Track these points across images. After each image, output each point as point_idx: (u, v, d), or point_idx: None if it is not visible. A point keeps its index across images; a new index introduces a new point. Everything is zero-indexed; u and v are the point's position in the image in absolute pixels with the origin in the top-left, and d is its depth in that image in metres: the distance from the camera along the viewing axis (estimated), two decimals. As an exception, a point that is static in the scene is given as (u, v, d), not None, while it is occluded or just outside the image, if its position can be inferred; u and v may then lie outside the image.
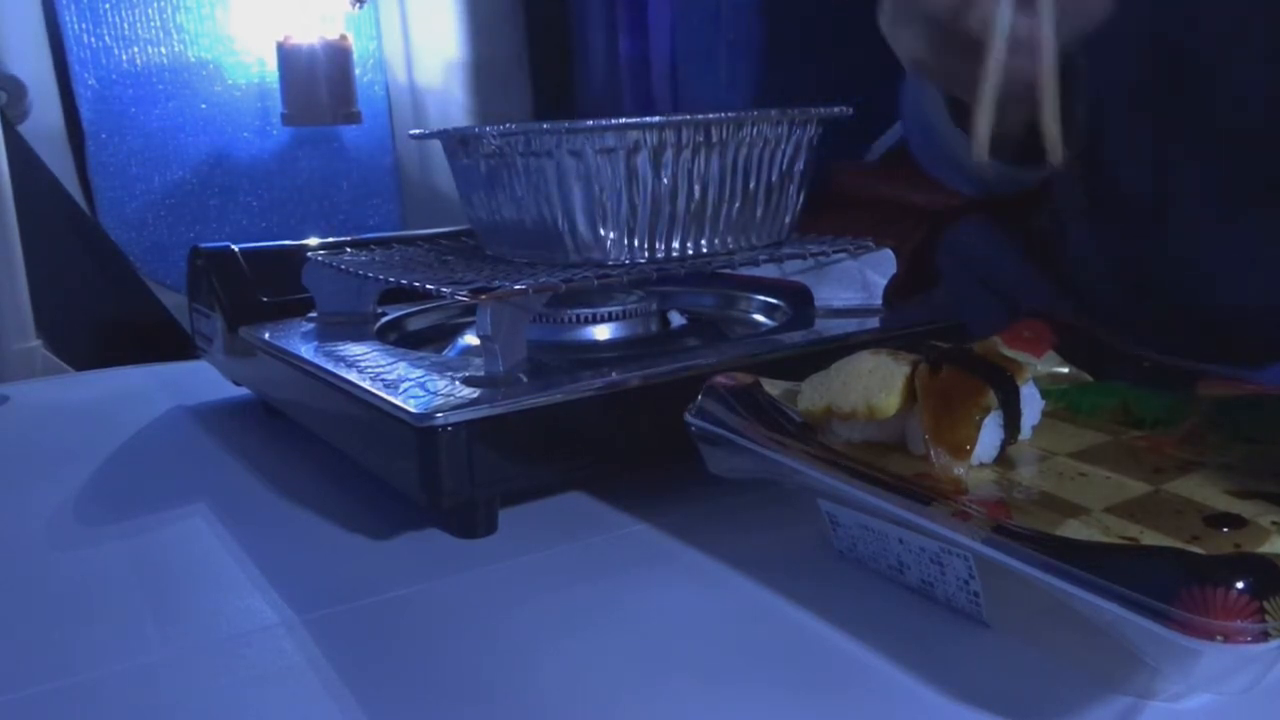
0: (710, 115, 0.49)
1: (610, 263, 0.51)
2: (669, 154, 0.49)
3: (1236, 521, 0.31)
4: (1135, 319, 0.61)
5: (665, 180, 0.49)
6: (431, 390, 0.43)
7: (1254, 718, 0.30)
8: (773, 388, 0.40)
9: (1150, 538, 0.30)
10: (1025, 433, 0.38)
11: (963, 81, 0.44)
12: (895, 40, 0.46)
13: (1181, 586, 0.25)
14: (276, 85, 1.59)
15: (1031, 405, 0.38)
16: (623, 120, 0.48)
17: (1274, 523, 0.31)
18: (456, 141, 0.55)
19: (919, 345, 0.40)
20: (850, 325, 0.54)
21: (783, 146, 0.53)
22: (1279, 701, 0.30)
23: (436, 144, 0.59)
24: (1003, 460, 0.37)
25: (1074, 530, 0.31)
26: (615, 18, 1.46)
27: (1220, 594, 0.25)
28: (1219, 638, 0.24)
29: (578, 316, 0.54)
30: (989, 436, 0.36)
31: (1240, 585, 0.25)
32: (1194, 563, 0.26)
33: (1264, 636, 0.24)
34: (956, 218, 0.76)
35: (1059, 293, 0.66)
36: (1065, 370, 0.46)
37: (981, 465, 0.36)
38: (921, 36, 0.45)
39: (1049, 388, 0.44)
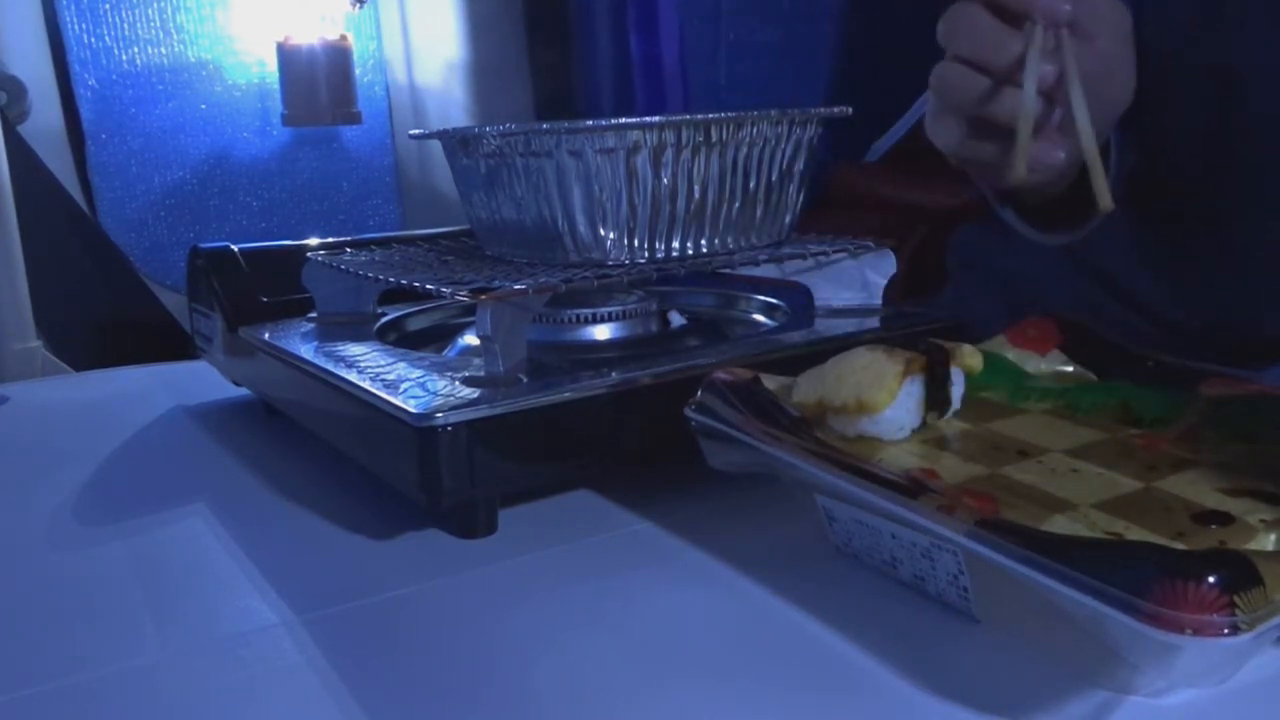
0: (710, 115, 0.49)
1: (610, 263, 0.51)
2: (669, 154, 0.49)
3: (1224, 519, 0.31)
4: (1181, 319, 0.62)
5: (665, 180, 0.49)
6: (431, 390, 0.43)
7: (1234, 713, 0.30)
8: (771, 383, 0.41)
9: (1135, 534, 0.30)
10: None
11: (994, 167, 0.48)
12: (935, 136, 0.50)
13: (1154, 581, 0.25)
14: (276, 85, 1.58)
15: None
16: (623, 120, 0.48)
17: (1262, 520, 0.31)
18: (456, 141, 0.55)
19: (918, 343, 0.41)
20: (850, 325, 0.54)
21: (783, 146, 0.53)
22: (1258, 698, 0.30)
23: (436, 144, 0.59)
24: (993, 455, 0.37)
25: (1060, 525, 0.31)
26: (622, 17, 1.46)
27: (1191, 588, 0.25)
28: (1189, 631, 0.25)
29: (578, 316, 0.54)
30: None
31: (1211, 579, 0.25)
32: (1167, 557, 0.26)
33: (1235, 630, 0.24)
34: (965, 216, 0.76)
35: (1089, 285, 0.66)
36: (1069, 369, 0.46)
37: (970, 463, 0.36)
38: (957, 129, 0.48)
39: (1051, 386, 0.44)
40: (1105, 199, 0.44)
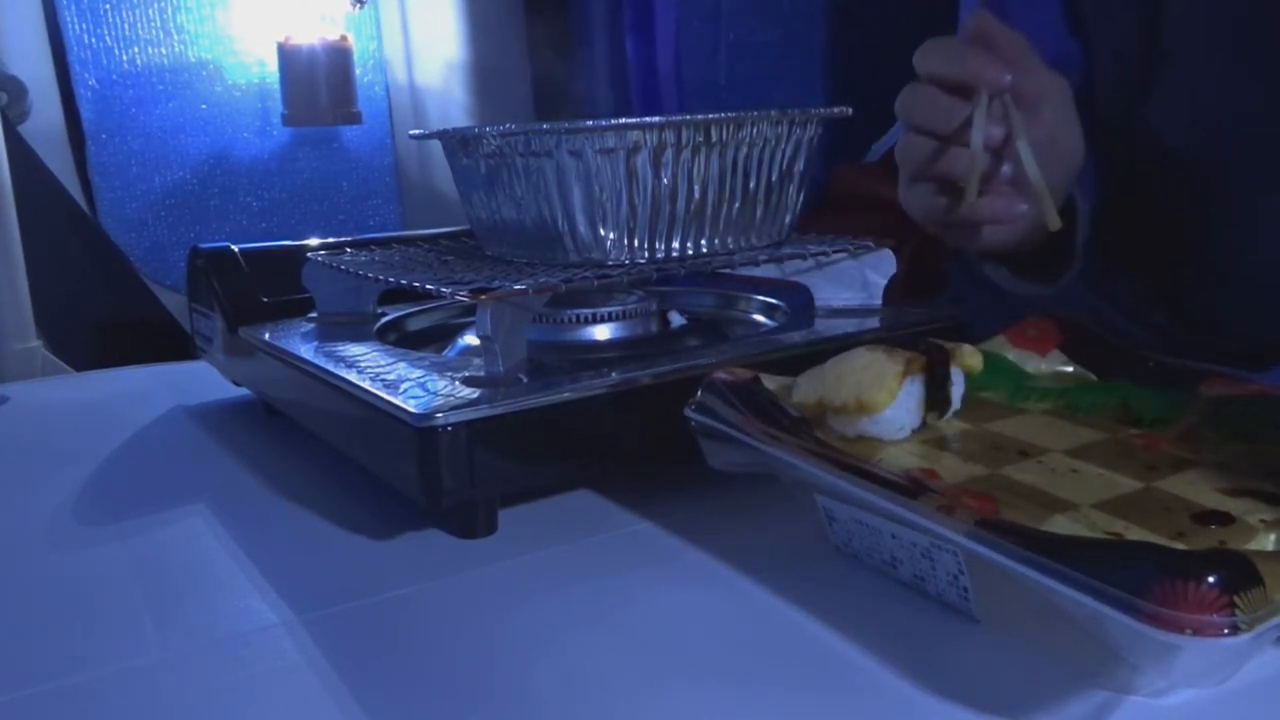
0: (710, 115, 0.49)
1: (610, 263, 0.51)
2: (669, 154, 0.49)
3: (1224, 519, 0.31)
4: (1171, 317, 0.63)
5: (665, 180, 0.49)
6: (431, 390, 0.43)
7: (1234, 713, 0.30)
8: (771, 383, 0.41)
9: (1135, 534, 0.30)
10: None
11: (963, 230, 0.53)
12: (907, 204, 0.55)
13: (1154, 581, 0.25)
14: (276, 85, 1.58)
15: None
16: (623, 120, 0.48)
17: (1262, 520, 0.31)
18: (456, 141, 0.55)
19: (918, 343, 0.41)
20: (850, 325, 0.54)
21: (783, 146, 0.53)
22: (1258, 698, 0.30)
23: (436, 144, 0.59)
24: (993, 455, 0.37)
25: (1060, 526, 0.31)
26: (620, 18, 1.46)
27: (1191, 588, 0.25)
28: (1189, 631, 0.25)
29: (578, 316, 0.54)
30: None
31: (1211, 579, 0.25)
32: (1167, 557, 0.26)
33: (1235, 630, 0.24)
34: None
35: (1086, 291, 0.66)
36: (1069, 369, 0.46)
37: (969, 463, 0.36)
38: (925, 196, 0.53)
39: (1051, 386, 0.44)
40: (1054, 220, 0.49)
